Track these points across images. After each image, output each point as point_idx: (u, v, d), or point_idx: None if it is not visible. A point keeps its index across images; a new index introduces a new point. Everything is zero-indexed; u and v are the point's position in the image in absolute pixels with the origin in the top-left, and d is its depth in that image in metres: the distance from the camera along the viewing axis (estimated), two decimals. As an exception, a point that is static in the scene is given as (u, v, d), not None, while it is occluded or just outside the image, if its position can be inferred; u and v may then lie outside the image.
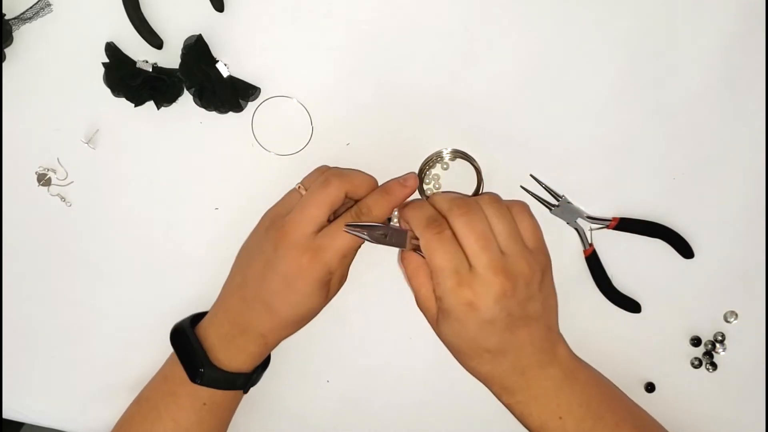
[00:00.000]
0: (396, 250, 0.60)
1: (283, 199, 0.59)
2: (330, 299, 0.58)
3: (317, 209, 0.54)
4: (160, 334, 0.63)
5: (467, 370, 0.57)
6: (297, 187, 0.58)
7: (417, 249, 0.54)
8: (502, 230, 0.53)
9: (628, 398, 0.60)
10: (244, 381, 0.59)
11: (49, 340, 0.65)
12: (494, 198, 0.54)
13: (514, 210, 0.54)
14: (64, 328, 0.64)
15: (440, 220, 0.53)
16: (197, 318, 0.60)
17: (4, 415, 0.65)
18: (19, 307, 0.64)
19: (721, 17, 0.59)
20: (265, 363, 0.61)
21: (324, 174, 0.57)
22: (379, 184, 0.58)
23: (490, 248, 0.51)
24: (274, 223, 0.56)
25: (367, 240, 0.54)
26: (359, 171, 0.58)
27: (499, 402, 0.57)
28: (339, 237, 0.54)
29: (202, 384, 0.56)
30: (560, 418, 0.55)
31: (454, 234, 0.52)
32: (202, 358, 0.56)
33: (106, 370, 0.65)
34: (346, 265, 0.57)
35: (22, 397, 0.65)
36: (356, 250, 0.57)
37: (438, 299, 0.53)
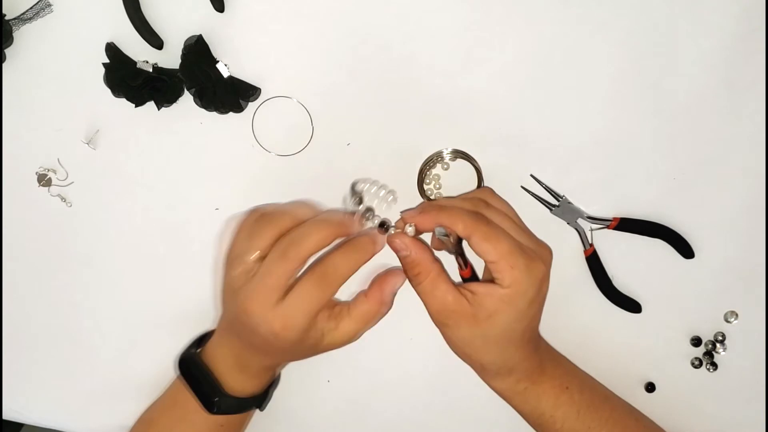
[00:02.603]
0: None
1: (233, 243, 0.55)
2: (321, 345, 0.54)
3: (276, 280, 0.50)
4: (160, 334, 0.63)
5: (503, 368, 0.54)
6: (238, 230, 0.55)
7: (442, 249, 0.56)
8: (513, 215, 0.56)
9: None
10: (259, 401, 0.58)
11: (49, 340, 0.64)
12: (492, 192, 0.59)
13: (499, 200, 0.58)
14: (64, 328, 0.64)
15: (481, 214, 0.53)
16: (200, 340, 0.59)
17: (5, 416, 0.65)
18: (19, 307, 0.64)
19: (721, 17, 0.59)
20: (275, 379, 0.61)
21: (278, 243, 0.52)
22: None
23: (526, 229, 0.55)
24: (234, 286, 0.52)
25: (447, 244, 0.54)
26: (301, 212, 0.54)
27: (500, 401, 0.57)
28: (305, 299, 0.50)
29: (218, 413, 0.55)
30: (567, 388, 0.56)
31: None
32: (217, 390, 0.55)
33: (106, 370, 0.65)
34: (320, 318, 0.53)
35: (22, 397, 0.65)
36: (324, 305, 0.52)
37: (498, 288, 0.51)
